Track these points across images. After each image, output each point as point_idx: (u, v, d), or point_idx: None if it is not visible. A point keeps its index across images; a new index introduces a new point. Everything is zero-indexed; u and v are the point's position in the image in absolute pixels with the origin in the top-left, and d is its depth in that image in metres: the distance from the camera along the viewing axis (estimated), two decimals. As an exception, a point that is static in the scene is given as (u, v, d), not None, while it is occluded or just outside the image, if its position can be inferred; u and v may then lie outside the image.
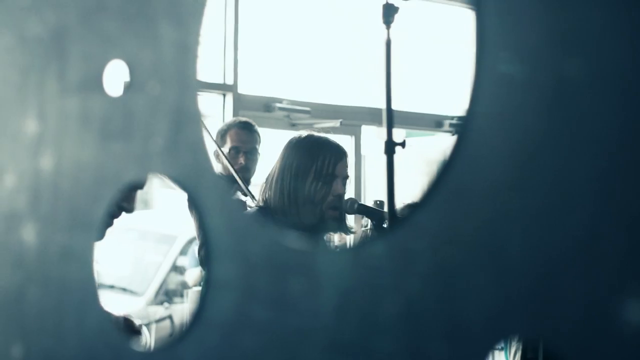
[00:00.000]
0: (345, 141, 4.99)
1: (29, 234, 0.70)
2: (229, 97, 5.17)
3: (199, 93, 0.68)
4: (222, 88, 5.19)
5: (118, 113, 0.69)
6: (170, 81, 0.68)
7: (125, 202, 1.44)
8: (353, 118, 5.07)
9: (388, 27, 1.48)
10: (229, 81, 5.16)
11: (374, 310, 0.66)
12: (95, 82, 0.69)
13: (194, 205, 0.67)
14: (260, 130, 4.62)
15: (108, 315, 0.70)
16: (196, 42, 0.68)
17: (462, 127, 0.67)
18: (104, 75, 0.69)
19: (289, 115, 4.97)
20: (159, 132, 0.67)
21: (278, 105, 5.06)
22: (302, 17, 5.26)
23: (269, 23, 5.27)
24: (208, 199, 0.66)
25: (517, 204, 0.68)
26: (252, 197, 3.41)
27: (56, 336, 0.70)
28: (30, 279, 0.70)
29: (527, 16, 0.70)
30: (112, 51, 0.70)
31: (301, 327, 0.66)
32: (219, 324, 0.66)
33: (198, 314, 0.67)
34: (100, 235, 1.47)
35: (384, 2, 1.54)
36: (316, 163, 2.36)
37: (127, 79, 0.69)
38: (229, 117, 4.76)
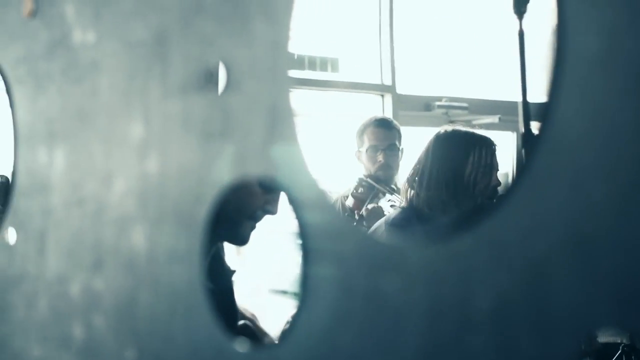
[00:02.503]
0: (505, 137, 4.87)
1: (138, 237, 0.71)
2: (388, 98, 5.16)
3: (291, 89, 0.66)
4: (381, 89, 5.18)
5: (217, 113, 0.68)
6: (265, 79, 0.67)
7: (268, 205, 1.44)
8: (514, 114, 4.88)
9: (520, 17, 1.41)
10: (387, 82, 5.14)
11: (465, 305, 0.63)
12: (195, 83, 0.69)
13: (290, 203, 0.66)
14: (419, 130, 4.58)
15: (215, 316, 0.70)
16: (287, 39, 0.67)
17: (545, 113, 0.62)
18: (204, 76, 0.70)
19: (447, 113, 4.89)
20: (255, 130, 0.66)
21: (437, 103, 5.00)
22: (456, 12, 5.18)
23: (422, 21, 5.22)
24: (303, 197, 0.65)
25: (603, 192, 0.62)
26: (393, 193, 3.41)
27: (166, 338, 0.71)
28: (141, 283, 0.71)
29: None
30: (210, 52, 0.70)
31: (396, 323, 0.63)
32: (317, 323, 0.64)
33: (297, 315, 0.65)
34: (245, 240, 1.49)
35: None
36: (474, 154, 2.31)
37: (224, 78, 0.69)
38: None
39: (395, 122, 3.75)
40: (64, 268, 0.74)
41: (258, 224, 1.46)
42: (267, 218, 1.47)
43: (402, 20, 5.16)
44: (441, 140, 2.38)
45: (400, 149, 3.67)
